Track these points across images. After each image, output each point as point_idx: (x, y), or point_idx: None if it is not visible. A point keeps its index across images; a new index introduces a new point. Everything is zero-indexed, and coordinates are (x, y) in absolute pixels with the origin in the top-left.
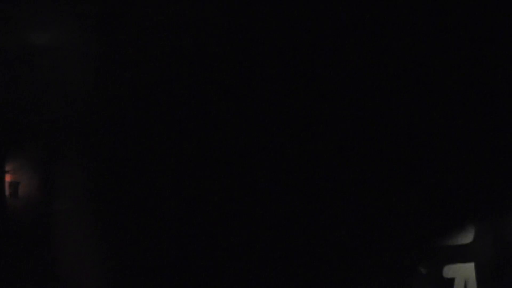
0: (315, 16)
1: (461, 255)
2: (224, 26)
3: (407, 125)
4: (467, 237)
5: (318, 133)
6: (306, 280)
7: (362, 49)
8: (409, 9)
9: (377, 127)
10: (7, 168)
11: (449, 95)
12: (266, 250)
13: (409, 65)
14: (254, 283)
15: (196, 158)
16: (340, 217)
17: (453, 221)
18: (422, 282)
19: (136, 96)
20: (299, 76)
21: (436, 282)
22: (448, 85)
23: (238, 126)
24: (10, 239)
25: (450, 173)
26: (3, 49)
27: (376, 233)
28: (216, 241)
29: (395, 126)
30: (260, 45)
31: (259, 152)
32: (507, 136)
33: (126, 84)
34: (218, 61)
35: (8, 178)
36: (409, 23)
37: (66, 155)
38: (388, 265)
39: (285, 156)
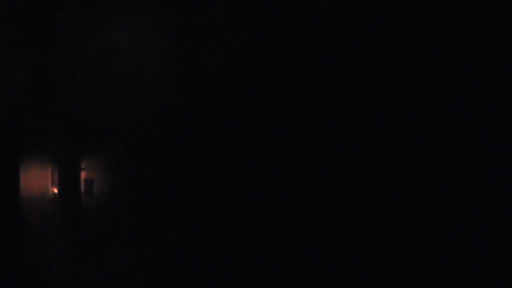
0: (316, 16)
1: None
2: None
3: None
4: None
5: (319, 133)
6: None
7: (362, 49)
8: (409, 9)
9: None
10: (82, 165)
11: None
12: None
13: (409, 66)
14: (254, 283)
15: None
16: (364, 215)
17: (485, 220)
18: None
19: (206, 98)
20: (304, 77)
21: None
22: (450, 85)
23: (247, 125)
24: (85, 234)
25: (478, 172)
26: (81, 53)
27: (407, 232)
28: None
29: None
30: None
31: (270, 153)
32: None
33: (197, 87)
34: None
35: (83, 175)
36: (409, 23)
37: (139, 154)
38: (418, 264)
39: (287, 156)
